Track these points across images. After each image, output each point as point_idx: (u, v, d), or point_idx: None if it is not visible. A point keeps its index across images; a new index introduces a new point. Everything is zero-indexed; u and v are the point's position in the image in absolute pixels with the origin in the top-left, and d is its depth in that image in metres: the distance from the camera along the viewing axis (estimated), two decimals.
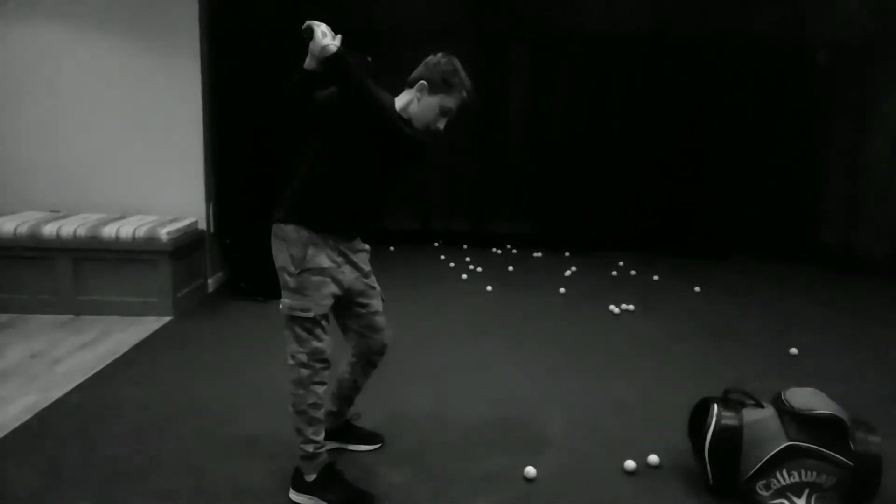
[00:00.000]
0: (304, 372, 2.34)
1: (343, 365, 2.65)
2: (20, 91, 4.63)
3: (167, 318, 4.30)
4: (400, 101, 2.41)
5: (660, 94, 6.20)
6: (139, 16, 4.56)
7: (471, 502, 2.47)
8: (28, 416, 3.00)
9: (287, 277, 2.33)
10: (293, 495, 2.45)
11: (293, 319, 2.33)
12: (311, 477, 2.42)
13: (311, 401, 2.36)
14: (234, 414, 3.07)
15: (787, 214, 6.24)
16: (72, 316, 4.31)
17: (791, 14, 5.97)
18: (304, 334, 2.33)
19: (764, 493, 2.44)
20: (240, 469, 2.63)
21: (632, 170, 6.36)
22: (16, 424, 2.92)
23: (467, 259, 5.98)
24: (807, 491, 2.40)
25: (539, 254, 6.25)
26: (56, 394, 3.22)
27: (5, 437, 2.83)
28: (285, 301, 2.34)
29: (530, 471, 2.62)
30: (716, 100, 6.16)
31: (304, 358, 2.34)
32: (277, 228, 2.37)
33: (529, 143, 6.51)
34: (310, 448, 2.40)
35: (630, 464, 2.68)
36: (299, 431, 2.39)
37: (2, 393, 3.24)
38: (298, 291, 2.32)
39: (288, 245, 2.33)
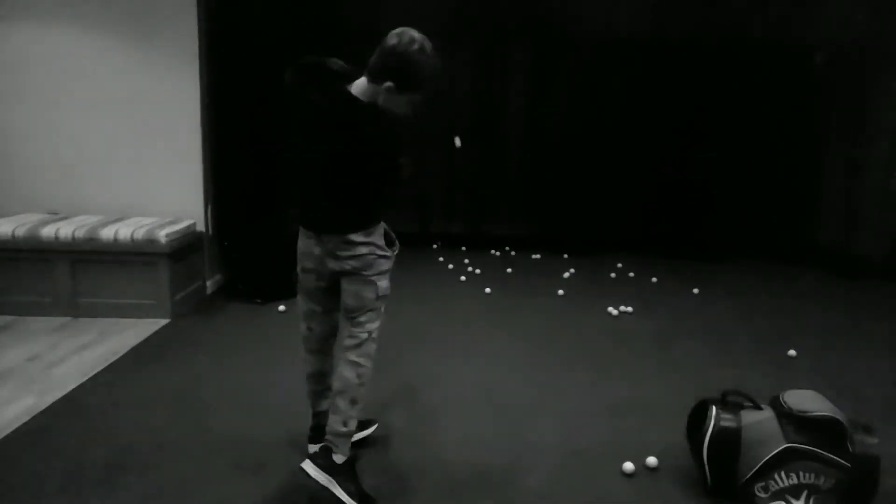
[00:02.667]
0: (374, 346, 2.48)
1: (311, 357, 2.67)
2: (19, 92, 4.63)
3: (165, 321, 4.30)
4: (361, 91, 2.34)
5: (659, 96, 6.20)
6: (138, 17, 4.56)
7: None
8: (26, 419, 2.99)
9: (385, 263, 2.47)
10: (311, 470, 2.31)
11: (385, 298, 2.49)
12: (340, 459, 2.37)
13: (371, 376, 2.47)
14: (232, 416, 3.07)
15: (786, 216, 6.25)
16: (70, 318, 4.31)
17: (790, 15, 5.98)
18: (384, 313, 2.52)
19: (762, 494, 2.44)
20: (239, 471, 2.63)
21: (630, 171, 6.36)
22: (14, 427, 2.92)
23: (466, 261, 5.98)
24: (805, 493, 2.40)
25: (538, 256, 6.25)
26: (54, 396, 3.22)
27: (4, 439, 2.83)
28: (382, 284, 2.46)
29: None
30: (715, 101, 6.17)
31: (377, 334, 2.49)
32: (367, 233, 2.41)
33: (528, 144, 6.51)
34: (353, 425, 2.42)
35: (628, 466, 2.69)
36: (353, 403, 2.41)
37: (0, 395, 3.24)
38: (388, 272, 2.50)
39: (376, 238, 2.45)
